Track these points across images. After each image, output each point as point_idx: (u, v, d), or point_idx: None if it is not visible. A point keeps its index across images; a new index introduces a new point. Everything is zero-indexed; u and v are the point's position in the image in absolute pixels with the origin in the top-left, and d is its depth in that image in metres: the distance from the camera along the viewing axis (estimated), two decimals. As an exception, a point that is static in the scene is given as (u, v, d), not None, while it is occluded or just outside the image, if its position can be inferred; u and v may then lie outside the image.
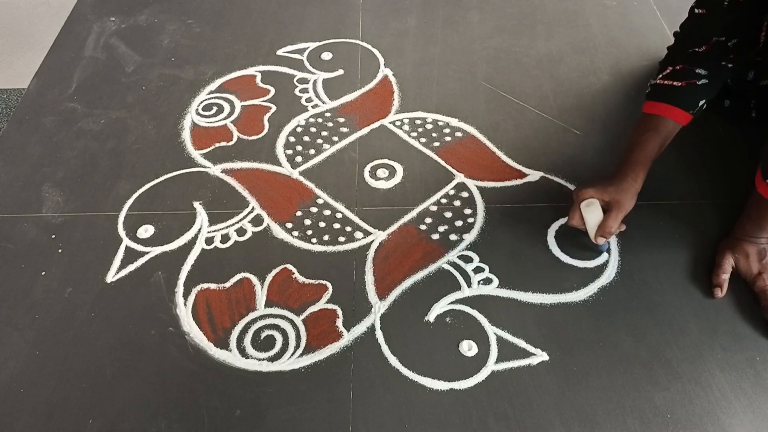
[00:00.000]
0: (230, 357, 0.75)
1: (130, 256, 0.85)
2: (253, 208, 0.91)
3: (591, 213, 0.81)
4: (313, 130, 1.02)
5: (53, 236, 0.88)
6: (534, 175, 0.94)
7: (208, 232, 0.88)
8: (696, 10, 0.82)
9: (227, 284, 0.82)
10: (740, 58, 0.82)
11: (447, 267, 0.83)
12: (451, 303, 0.79)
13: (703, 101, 0.82)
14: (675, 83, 0.82)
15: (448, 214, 0.89)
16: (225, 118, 1.05)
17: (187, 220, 0.89)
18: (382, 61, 1.15)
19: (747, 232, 0.82)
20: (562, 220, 0.88)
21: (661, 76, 0.84)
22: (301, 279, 0.82)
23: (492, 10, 1.27)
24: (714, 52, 0.81)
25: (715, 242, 0.84)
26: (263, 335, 0.76)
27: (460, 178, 0.94)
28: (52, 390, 0.72)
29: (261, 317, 0.78)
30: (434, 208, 0.90)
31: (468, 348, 0.75)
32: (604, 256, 0.84)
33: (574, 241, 0.85)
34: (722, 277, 0.80)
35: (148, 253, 0.86)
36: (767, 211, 0.79)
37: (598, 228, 0.80)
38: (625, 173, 0.82)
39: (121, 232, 0.88)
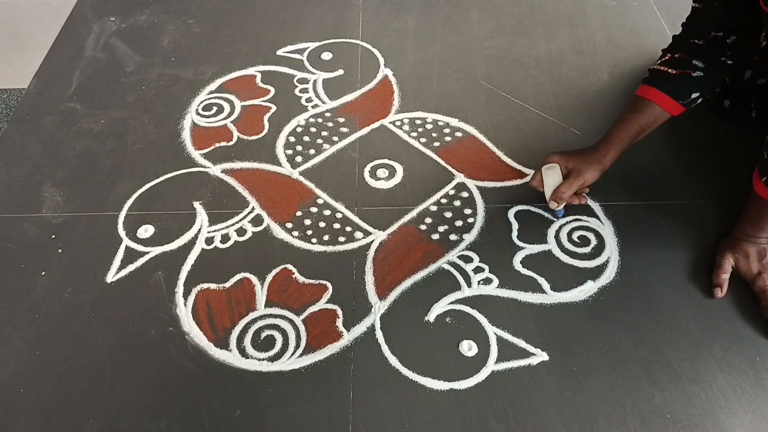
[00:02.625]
0: (230, 357, 0.75)
1: (130, 256, 0.85)
2: (253, 208, 0.91)
3: (549, 176, 0.85)
4: (313, 130, 1.02)
5: (53, 236, 0.88)
6: (534, 175, 0.94)
7: (208, 232, 0.88)
8: (694, 4, 0.83)
9: (227, 284, 0.82)
10: (739, 56, 0.82)
11: (447, 267, 0.83)
12: (451, 303, 0.79)
13: (697, 94, 0.82)
14: (670, 70, 0.82)
15: (448, 214, 0.89)
16: (225, 118, 1.05)
17: (187, 220, 0.89)
18: (382, 61, 1.15)
19: (747, 233, 0.82)
20: (562, 221, 0.88)
21: (659, 62, 0.84)
22: (301, 279, 0.82)
23: (492, 10, 1.27)
24: (712, 47, 0.81)
25: (715, 242, 0.84)
26: (263, 335, 0.76)
27: (460, 178, 0.94)
28: (52, 390, 0.72)
29: (261, 317, 0.78)
30: (434, 208, 0.90)
31: (468, 348, 0.75)
32: (605, 256, 0.84)
33: (573, 241, 0.85)
34: (722, 277, 0.80)
35: (148, 253, 0.86)
36: (765, 211, 0.79)
37: (552, 193, 0.84)
38: (596, 147, 0.85)
39: (121, 232, 0.88)
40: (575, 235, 0.86)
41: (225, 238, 0.87)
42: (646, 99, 0.84)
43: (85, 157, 0.99)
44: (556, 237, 0.86)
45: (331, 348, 0.75)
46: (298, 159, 0.98)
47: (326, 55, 1.17)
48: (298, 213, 0.90)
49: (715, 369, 0.73)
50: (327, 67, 1.14)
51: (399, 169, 0.96)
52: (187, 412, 0.70)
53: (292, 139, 1.01)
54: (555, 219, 0.88)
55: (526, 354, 0.74)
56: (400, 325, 0.77)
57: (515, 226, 0.87)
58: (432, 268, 0.83)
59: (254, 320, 0.78)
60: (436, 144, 0.99)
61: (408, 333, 0.77)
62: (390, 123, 1.03)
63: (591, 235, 0.86)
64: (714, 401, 0.70)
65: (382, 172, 0.96)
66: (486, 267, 0.83)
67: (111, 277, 0.83)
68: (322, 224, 0.88)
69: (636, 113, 0.84)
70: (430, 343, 0.76)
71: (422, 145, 0.99)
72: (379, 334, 0.76)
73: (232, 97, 1.09)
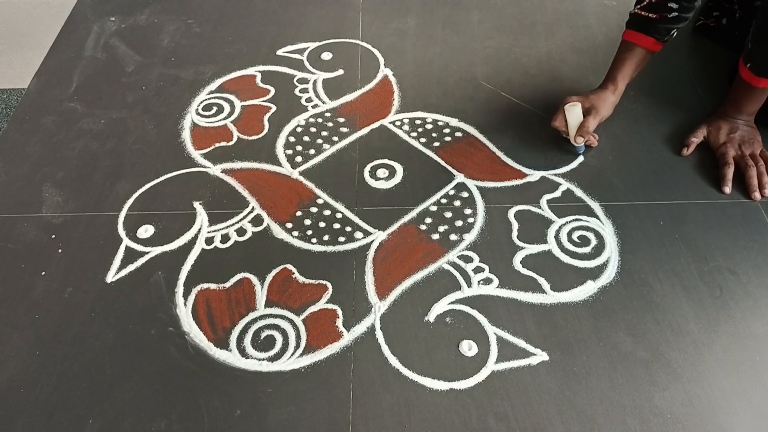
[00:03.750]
0: (230, 357, 0.75)
1: (130, 256, 0.85)
2: (253, 208, 0.91)
3: (572, 114, 0.95)
4: (313, 130, 1.02)
5: (53, 236, 0.88)
6: (534, 175, 0.94)
7: (208, 232, 0.88)
8: None
9: (227, 284, 0.82)
10: None
11: (447, 267, 0.83)
12: (451, 303, 0.79)
13: (674, 31, 0.94)
14: (650, 15, 0.93)
15: (448, 214, 0.89)
16: (225, 118, 1.05)
17: (187, 220, 0.89)
18: (382, 61, 1.15)
19: (726, 113, 0.96)
20: (562, 221, 0.88)
21: (639, 6, 0.94)
22: (301, 279, 0.82)
23: (492, 10, 1.27)
24: None
25: (716, 242, 0.85)
26: (263, 335, 0.76)
27: (460, 178, 0.94)
28: (52, 390, 0.72)
29: (261, 317, 0.78)
30: (434, 208, 0.90)
31: (468, 348, 0.75)
32: (605, 256, 0.84)
33: (573, 241, 0.85)
34: (691, 138, 0.96)
35: (148, 253, 0.86)
36: (745, 94, 0.93)
37: (578, 128, 0.94)
38: (605, 86, 0.98)
39: (121, 232, 0.88)
40: (575, 235, 0.86)
41: (225, 238, 0.87)
42: (635, 44, 0.95)
43: (85, 157, 0.99)
44: (556, 237, 0.86)
45: (331, 348, 0.75)
46: (298, 159, 0.98)
47: (326, 55, 1.17)
48: (298, 213, 0.90)
49: (715, 369, 0.73)
50: (327, 67, 1.14)
51: (399, 169, 0.96)
52: (187, 412, 0.70)
53: (292, 139, 1.01)
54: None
55: (526, 354, 0.74)
56: (400, 325, 0.77)
57: (515, 226, 0.87)
58: (432, 268, 0.83)
59: (254, 320, 0.78)
60: (436, 144, 0.99)
61: (408, 333, 0.77)
62: (390, 123, 1.03)
63: (591, 235, 0.86)
64: (714, 401, 0.70)
65: (382, 172, 0.96)
66: (486, 267, 0.83)
67: (111, 277, 0.83)
68: (322, 224, 0.88)
69: (628, 53, 0.96)
70: (430, 343, 0.76)
71: (422, 145, 0.99)
72: (379, 334, 0.76)
73: (232, 97, 1.09)
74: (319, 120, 1.04)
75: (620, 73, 0.97)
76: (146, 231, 0.88)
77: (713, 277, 0.81)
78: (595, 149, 0.98)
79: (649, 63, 0.98)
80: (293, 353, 0.75)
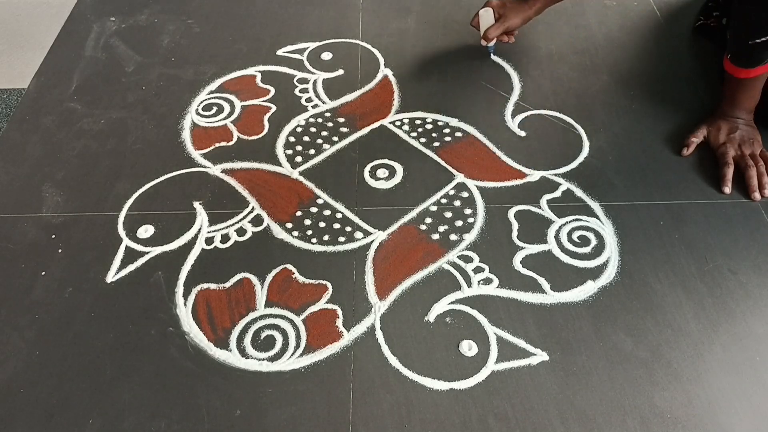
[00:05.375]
0: (230, 357, 0.75)
1: (130, 256, 0.85)
2: (253, 208, 0.91)
3: (484, 18, 1.07)
4: (313, 130, 1.02)
5: (53, 236, 0.88)
6: (534, 175, 0.94)
7: (208, 232, 0.88)
8: None
9: (227, 284, 0.82)
10: None
11: (447, 267, 0.83)
12: (451, 303, 0.79)
13: None
14: None
15: (448, 214, 0.89)
16: (225, 118, 1.05)
17: (187, 220, 0.89)
18: (382, 61, 1.15)
19: (724, 112, 0.96)
20: (562, 221, 0.88)
21: None
22: (301, 279, 0.82)
23: (492, 10, 1.27)
24: None
25: (716, 242, 0.85)
26: (263, 335, 0.77)
27: (460, 178, 0.94)
28: (52, 390, 0.72)
29: (261, 317, 0.78)
30: (434, 208, 0.90)
31: (468, 348, 0.75)
32: (605, 256, 0.84)
33: (573, 241, 0.85)
34: (691, 138, 0.96)
35: (148, 253, 0.86)
36: (736, 88, 0.93)
37: (485, 31, 1.06)
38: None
39: (121, 232, 0.88)
40: (575, 235, 0.86)
41: (225, 238, 0.87)
42: None
43: (85, 157, 0.99)
44: (556, 237, 0.86)
45: (331, 348, 0.75)
46: (298, 159, 0.98)
47: (326, 55, 1.17)
48: (298, 213, 0.90)
49: (715, 369, 0.73)
50: (327, 67, 1.14)
51: (399, 169, 0.96)
52: (187, 412, 0.70)
53: (292, 139, 1.01)
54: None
55: (526, 354, 0.74)
56: (400, 325, 0.77)
57: (515, 226, 0.87)
58: (432, 268, 0.83)
59: (254, 320, 0.78)
60: (436, 144, 0.99)
61: (408, 333, 0.77)
62: (390, 123, 1.03)
63: (591, 235, 0.86)
64: (714, 401, 0.70)
65: (382, 172, 0.96)
66: (486, 267, 0.83)
67: (111, 277, 0.83)
68: (322, 224, 0.88)
69: None
70: (430, 343, 0.76)
71: (422, 145, 0.99)
72: (379, 334, 0.76)
73: (232, 97, 1.09)
74: (319, 120, 1.04)
75: None
76: (146, 231, 0.88)
77: (713, 277, 0.81)
78: (595, 149, 0.98)
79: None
80: (293, 353, 0.75)
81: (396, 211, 0.90)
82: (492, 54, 1.12)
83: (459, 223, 0.88)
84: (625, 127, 1.01)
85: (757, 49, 0.87)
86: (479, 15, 1.07)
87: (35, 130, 1.04)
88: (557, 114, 1.04)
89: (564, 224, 0.87)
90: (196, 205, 0.91)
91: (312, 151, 0.99)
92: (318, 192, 0.93)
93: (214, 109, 1.07)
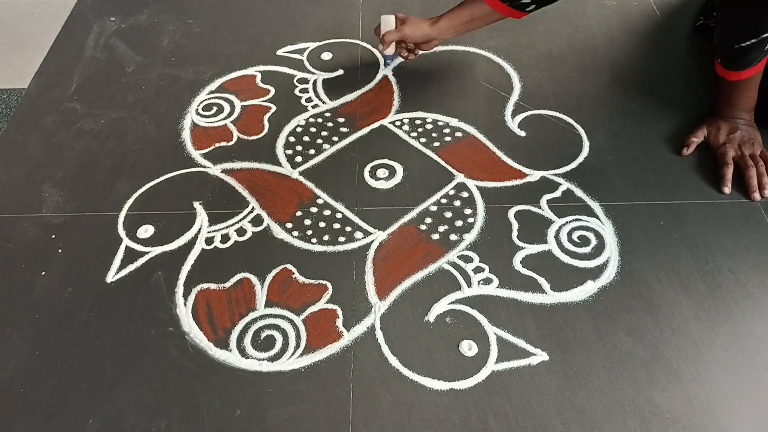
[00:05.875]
0: (230, 357, 0.75)
1: (130, 256, 0.85)
2: (253, 208, 0.91)
3: (384, 23, 1.03)
4: (313, 130, 1.02)
5: (53, 236, 0.88)
6: (534, 175, 0.94)
7: (208, 232, 0.88)
8: None
9: (227, 284, 0.82)
10: None
11: (447, 267, 0.83)
12: (451, 303, 0.79)
13: (530, 4, 0.96)
14: None
15: (448, 214, 0.89)
16: (225, 118, 1.05)
17: (187, 220, 0.89)
18: (382, 61, 1.15)
19: (724, 113, 0.96)
20: (562, 221, 0.88)
21: None
22: (301, 279, 0.82)
23: (492, 10, 1.27)
24: None
25: (716, 242, 0.85)
26: (263, 335, 0.77)
27: (460, 178, 0.94)
28: (52, 390, 0.72)
29: (261, 317, 0.78)
30: (434, 208, 0.90)
31: (468, 348, 0.75)
32: (605, 256, 0.84)
33: (573, 241, 0.85)
34: (692, 138, 0.96)
35: (148, 253, 0.86)
36: (730, 91, 0.94)
37: (382, 36, 1.02)
38: (432, 17, 1.02)
39: (121, 232, 0.88)
40: (575, 235, 0.86)
41: (225, 238, 0.87)
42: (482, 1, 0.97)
43: (85, 157, 0.99)
44: (556, 237, 0.86)
45: (331, 348, 0.75)
46: (298, 159, 0.98)
47: (326, 55, 1.17)
48: (298, 213, 0.90)
49: (715, 369, 0.73)
50: (327, 67, 1.14)
51: (399, 169, 0.96)
52: (187, 412, 0.70)
53: (292, 139, 1.01)
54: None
55: (526, 354, 0.74)
56: (400, 325, 0.77)
57: (515, 226, 0.87)
58: (432, 268, 0.83)
59: (254, 320, 0.78)
60: (436, 144, 0.99)
61: (408, 333, 0.77)
62: (390, 123, 1.03)
63: (591, 235, 0.86)
64: (714, 401, 0.70)
65: (382, 172, 0.96)
66: (486, 267, 0.83)
67: (111, 277, 0.83)
68: (322, 224, 0.88)
69: (470, 3, 0.98)
70: (430, 343, 0.76)
71: (422, 145, 0.99)
72: (379, 334, 0.76)
73: (232, 97, 1.09)
74: (319, 120, 1.04)
75: (450, 14, 1.00)
76: (146, 231, 0.88)
77: (713, 277, 0.81)
78: (595, 149, 0.98)
79: (488, 23, 1.00)
80: (293, 353, 0.75)
81: (396, 211, 0.90)
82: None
83: (459, 223, 0.88)
84: (625, 127, 1.01)
85: (744, 52, 0.87)
86: (381, 20, 1.04)
87: (35, 130, 1.04)
88: (557, 114, 1.04)
89: (564, 224, 0.87)
90: (196, 205, 0.91)
91: (312, 151, 0.99)
92: (318, 192, 0.93)
93: (214, 109, 1.07)
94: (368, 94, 1.09)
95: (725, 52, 0.91)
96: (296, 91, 1.10)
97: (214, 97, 1.09)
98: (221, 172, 0.96)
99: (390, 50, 1.04)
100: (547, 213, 0.89)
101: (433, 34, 1.01)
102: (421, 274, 0.82)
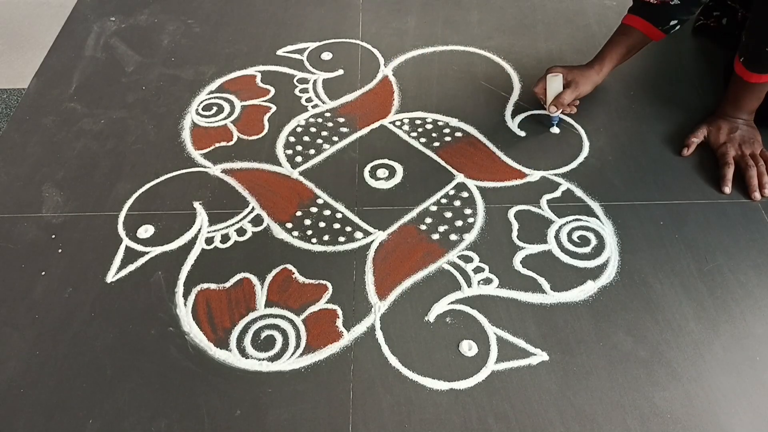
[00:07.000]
0: (230, 357, 0.75)
1: (130, 256, 0.85)
2: (253, 208, 0.91)
3: (552, 84, 0.97)
4: (313, 130, 1.02)
5: (53, 236, 0.88)
6: (534, 175, 0.94)
7: (208, 232, 0.88)
8: None
9: (227, 284, 0.82)
10: None
11: (447, 267, 0.83)
12: (451, 303, 0.79)
13: (675, 21, 0.95)
14: (652, 0, 0.94)
15: (448, 214, 0.89)
16: (225, 118, 1.05)
17: (187, 220, 0.89)
18: (382, 61, 1.15)
19: (725, 112, 0.96)
20: (562, 221, 0.88)
21: None
22: (301, 279, 0.82)
23: (492, 10, 1.27)
24: None
25: (716, 242, 0.85)
26: (263, 335, 0.76)
27: (460, 178, 0.94)
28: (52, 390, 0.72)
29: (261, 317, 0.78)
30: (434, 208, 0.90)
31: (468, 348, 0.75)
32: (605, 256, 0.84)
33: (573, 241, 0.85)
34: (692, 138, 0.96)
35: (148, 253, 0.86)
36: (740, 89, 0.93)
37: (554, 99, 0.96)
38: (591, 64, 1.00)
39: (121, 232, 0.88)
40: (575, 235, 0.86)
41: (225, 238, 0.87)
42: (630, 26, 0.97)
43: (85, 157, 0.99)
44: (556, 237, 0.86)
45: (331, 348, 0.75)
46: (298, 159, 0.98)
47: (326, 55, 1.17)
48: (298, 213, 0.90)
49: (715, 369, 0.73)
50: (327, 67, 1.14)
51: (399, 169, 0.96)
52: (187, 412, 0.70)
53: (292, 139, 1.01)
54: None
55: (526, 354, 0.74)
56: (400, 325, 0.77)
57: (515, 226, 0.87)
58: (432, 268, 0.83)
59: (254, 320, 0.78)
60: (436, 144, 0.99)
61: (408, 333, 0.77)
62: (390, 123, 1.03)
63: (591, 235, 0.86)
64: (714, 401, 0.70)
65: (382, 172, 0.96)
66: (486, 267, 0.83)
67: (111, 277, 0.83)
68: (322, 224, 0.88)
69: (623, 37, 0.98)
70: (430, 343, 0.76)
71: (422, 145, 0.99)
72: (379, 334, 0.76)
73: (232, 97, 1.09)
74: (319, 120, 1.04)
75: (609, 54, 0.99)
76: (146, 231, 0.88)
77: (713, 277, 0.81)
78: (595, 149, 0.98)
79: (640, 49, 0.99)
80: (293, 353, 0.75)
81: (396, 211, 0.90)
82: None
83: (459, 223, 0.88)
84: (625, 127, 1.01)
85: None
86: (546, 80, 0.97)
87: (35, 130, 1.04)
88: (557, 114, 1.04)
89: (564, 224, 0.87)
90: (196, 205, 0.91)
91: (312, 151, 0.99)
92: (318, 192, 0.93)
93: (214, 109, 1.07)
94: (368, 94, 1.09)
95: (753, 53, 0.88)
96: (296, 91, 1.10)
97: (214, 97, 1.09)
98: (221, 172, 0.96)
99: (560, 110, 0.98)
100: (547, 213, 0.89)
101: (600, 80, 1.00)
102: (421, 274, 0.82)
